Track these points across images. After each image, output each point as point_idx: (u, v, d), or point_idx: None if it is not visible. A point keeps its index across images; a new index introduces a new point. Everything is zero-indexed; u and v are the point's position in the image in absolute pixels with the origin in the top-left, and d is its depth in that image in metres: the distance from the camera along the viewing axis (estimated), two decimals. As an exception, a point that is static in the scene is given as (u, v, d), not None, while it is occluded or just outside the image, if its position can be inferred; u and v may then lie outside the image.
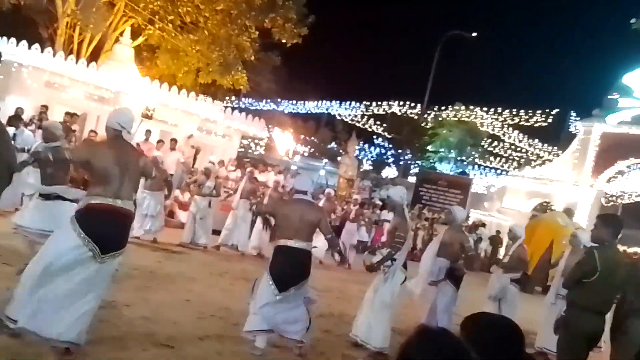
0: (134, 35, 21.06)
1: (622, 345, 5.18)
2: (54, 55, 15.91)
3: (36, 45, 15.53)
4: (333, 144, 37.67)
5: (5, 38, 15.22)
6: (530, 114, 32.18)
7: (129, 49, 19.30)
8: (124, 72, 17.17)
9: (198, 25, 22.45)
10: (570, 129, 30.10)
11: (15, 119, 12.61)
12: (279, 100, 34.35)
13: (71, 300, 4.38)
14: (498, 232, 23.88)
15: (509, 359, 2.08)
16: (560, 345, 5.27)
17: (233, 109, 20.92)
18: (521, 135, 32.99)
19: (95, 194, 4.52)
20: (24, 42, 15.22)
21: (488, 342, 2.05)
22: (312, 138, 35.63)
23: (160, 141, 16.16)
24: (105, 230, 4.46)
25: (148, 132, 15.86)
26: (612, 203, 28.28)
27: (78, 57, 18.22)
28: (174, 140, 16.17)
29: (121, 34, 20.45)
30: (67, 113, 14.24)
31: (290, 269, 5.62)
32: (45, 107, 14.28)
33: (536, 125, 32.28)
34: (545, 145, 32.51)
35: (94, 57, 21.16)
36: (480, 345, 1.94)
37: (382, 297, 6.56)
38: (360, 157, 32.87)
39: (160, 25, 21.54)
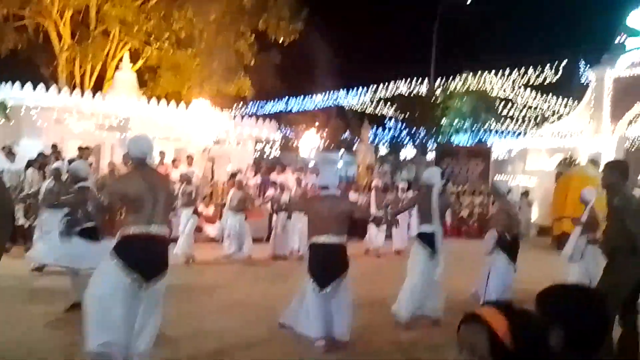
0: (133, 59, 21.16)
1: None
2: (59, 92, 16.02)
3: (41, 85, 15.65)
4: (347, 134, 37.52)
5: (9, 83, 15.35)
6: (540, 71, 31.74)
7: (130, 74, 19.40)
8: (129, 98, 17.24)
9: (194, 39, 22.47)
10: (582, 80, 29.62)
11: (36, 161, 12.68)
12: (286, 98, 34.30)
13: (136, 322, 4.58)
14: (527, 192, 23.57)
15: (593, 326, 2.00)
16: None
17: (242, 115, 20.91)
18: (533, 93, 32.56)
19: (131, 224, 4.63)
20: (28, 84, 15.34)
21: (569, 313, 1.96)
22: (325, 131, 35.50)
23: (175, 159, 16.22)
24: (145, 258, 4.58)
25: (162, 153, 15.91)
26: (636, 147, 27.81)
27: (82, 89, 18.34)
28: (190, 157, 16.22)
29: (120, 60, 20.57)
30: (80, 148, 14.29)
31: (327, 265, 5.61)
32: (54, 146, 14.20)
33: (547, 81, 31.83)
34: (560, 99, 32.04)
35: (98, 87, 21.33)
36: (562, 318, 1.90)
37: (434, 269, 6.74)
38: (375, 143, 32.69)
39: (157, 45, 21.60)
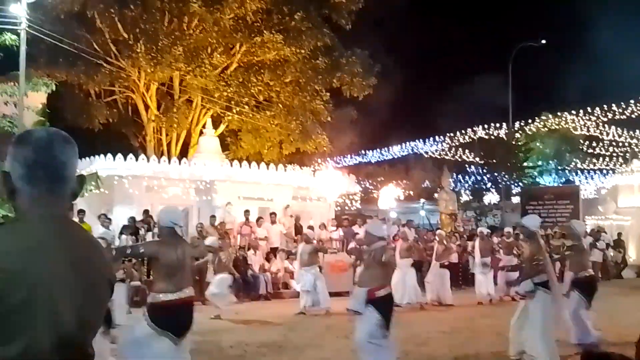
0: (215, 124, 22.06)
1: None
2: (148, 160, 16.89)
3: (130, 155, 16.57)
4: (427, 182, 37.22)
5: (102, 155, 16.31)
6: (624, 105, 30.64)
7: (213, 139, 20.25)
8: (213, 162, 17.94)
9: (272, 101, 23.21)
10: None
11: (129, 227, 13.38)
12: (364, 151, 34.58)
13: None
14: (620, 234, 22.49)
15: None
16: None
17: (322, 171, 21.22)
18: (619, 129, 31.36)
19: (161, 291, 5.18)
20: (119, 155, 16.26)
21: None
22: (405, 181, 35.39)
23: (259, 218, 16.60)
24: (177, 321, 5.18)
25: (247, 212, 16.35)
26: None
27: (169, 157, 19.22)
28: (273, 214, 16.56)
29: (204, 126, 21.51)
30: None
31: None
32: (146, 211, 15.00)
33: (633, 115, 30.64)
34: (649, 133, 30.68)
35: (184, 153, 22.26)
36: None
37: (534, 317, 6.89)
38: (457, 189, 32.22)
39: (237, 109, 22.46)
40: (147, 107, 22.77)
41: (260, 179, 17.84)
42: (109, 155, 16.26)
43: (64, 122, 19.45)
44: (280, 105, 22.96)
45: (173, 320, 5.12)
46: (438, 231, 15.78)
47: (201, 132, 21.67)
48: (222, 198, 16.79)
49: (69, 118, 20.95)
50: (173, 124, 22.13)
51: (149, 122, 22.74)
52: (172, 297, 5.11)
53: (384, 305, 6.17)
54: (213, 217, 15.14)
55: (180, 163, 17.24)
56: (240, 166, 17.85)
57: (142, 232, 13.74)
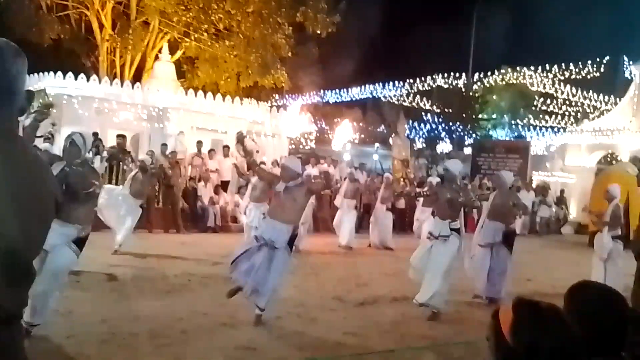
0: (172, 50, 21.40)
1: None
2: (100, 82, 16.33)
3: (82, 75, 15.95)
4: (382, 127, 37.37)
5: (51, 73, 15.67)
6: (581, 66, 31.11)
7: (169, 65, 19.67)
8: (167, 89, 17.49)
9: (232, 31, 22.60)
10: (625, 75, 28.87)
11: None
12: (322, 91, 34.30)
13: None
14: (562, 191, 23.23)
15: (610, 329, 1.96)
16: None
17: (278, 107, 21.00)
18: (574, 89, 31.94)
19: None
20: (70, 74, 15.65)
21: (588, 314, 1.94)
22: (361, 124, 35.41)
23: (212, 150, 16.40)
24: None
25: (199, 143, 16.12)
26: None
27: (122, 80, 18.64)
28: (226, 147, 16.37)
29: (160, 50, 20.86)
30: (118, 135, 14.65)
31: None
32: (95, 134, 14.47)
33: (589, 76, 31.20)
34: (601, 95, 31.36)
35: (137, 77, 21.64)
36: (582, 318, 1.86)
37: (439, 260, 6.96)
38: (412, 137, 32.48)
39: (195, 36, 21.80)
40: (101, 26, 21.85)
41: (215, 110, 17.53)
42: (59, 74, 15.62)
43: (11, 35, 18.45)
44: (241, 36, 22.39)
45: None
46: (385, 174, 15.88)
47: (157, 57, 21.04)
48: (175, 127, 16.46)
49: (17, 30, 19.83)
50: (128, 46, 21.37)
51: (102, 42, 21.88)
52: None
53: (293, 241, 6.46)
54: (164, 145, 14.83)
55: (133, 87, 16.70)
56: (196, 95, 17.45)
57: (89, 155, 13.31)
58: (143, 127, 16.69)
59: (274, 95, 28.58)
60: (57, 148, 12.93)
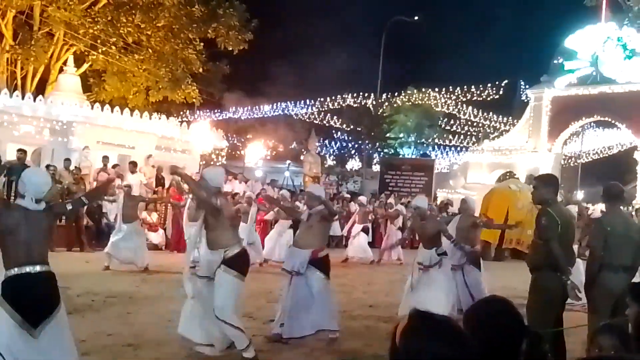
0: (78, 62, 20.78)
1: (597, 298, 5.35)
2: (-1, 93, 15.62)
3: (-21, 87, 15.22)
4: (294, 144, 37.69)
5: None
6: (482, 88, 32.71)
7: (74, 78, 19.05)
8: (72, 102, 16.93)
9: (142, 45, 22.23)
10: (522, 98, 30.64)
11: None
12: (234, 107, 34.20)
13: None
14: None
15: (506, 342, 2.06)
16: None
17: (189, 123, 20.79)
18: (476, 110, 33.50)
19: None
20: (-34, 85, 14.91)
21: (485, 328, 2.03)
22: (273, 141, 35.58)
23: (115, 165, 15.99)
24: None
25: (105, 158, 15.68)
26: (571, 164, 28.97)
27: (24, 92, 17.89)
28: (132, 163, 16.00)
29: (65, 63, 20.18)
30: (19, 150, 14.02)
31: None
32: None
33: (489, 98, 32.83)
34: (500, 116, 33.08)
35: (40, 90, 20.84)
36: (478, 331, 1.95)
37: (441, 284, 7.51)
38: (322, 154, 32.97)
39: (103, 49, 21.26)
40: (1, 36, 20.90)
41: (123, 124, 17.11)
42: (-46, 84, 14.84)
43: None
44: (150, 50, 22.06)
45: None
46: (282, 192, 15.96)
47: (61, 69, 20.32)
48: (80, 141, 15.94)
49: None
50: (30, 57, 20.56)
51: (2, 52, 20.93)
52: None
53: (327, 265, 6.58)
54: (68, 160, 14.33)
55: (35, 100, 16.07)
56: (102, 109, 16.98)
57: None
58: (46, 141, 16.06)
59: (184, 110, 28.27)
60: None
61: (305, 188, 21.31)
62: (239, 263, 5.56)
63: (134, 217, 11.60)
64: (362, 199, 17.24)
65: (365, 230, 15.46)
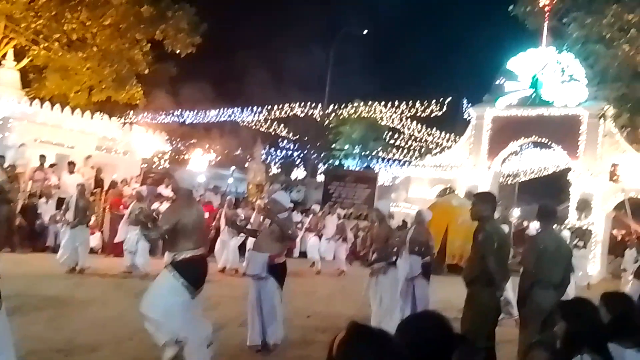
0: (18, 56, 20.09)
1: (529, 314, 5.52)
2: None
3: None
4: (239, 151, 37.42)
5: None
6: (426, 105, 33.31)
7: (13, 72, 18.39)
8: (10, 97, 16.33)
9: (86, 42, 21.70)
10: (464, 116, 31.36)
11: None
12: (179, 111, 33.72)
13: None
14: (404, 222, 24.62)
15: (437, 353, 2.10)
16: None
17: (132, 124, 20.40)
18: (419, 125, 34.06)
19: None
20: None
21: (418, 340, 2.06)
22: (217, 146, 35.22)
23: (53, 164, 15.53)
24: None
25: (42, 157, 15.21)
26: (509, 182, 29.79)
27: (-43, 85, 17.18)
28: (71, 163, 15.57)
29: (3, 56, 19.46)
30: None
31: None
32: None
33: (432, 115, 33.44)
34: (443, 133, 33.72)
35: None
36: (411, 344, 1.97)
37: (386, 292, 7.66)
38: (267, 162, 32.87)
39: (45, 44, 20.63)
40: None
41: (63, 123, 16.64)
42: None
43: None
44: (95, 48, 21.57)
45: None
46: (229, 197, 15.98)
47: (0, 63, 19.61)
48: (16, 138, 15.39)
49: None
50: (-34, 49, 19.78)
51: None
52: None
53: (283, 273, 6.62)
54: (2, 157, 13.81)
55: (-31, 93, 15.46)
56: (41, 106, 16.45)
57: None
58: (-21, 137, 15.45)
59: (128, 111, 27.70)
60: None
61: (249, 196, 21.22)
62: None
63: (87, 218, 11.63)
64: (316, 207, 17.66)
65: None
